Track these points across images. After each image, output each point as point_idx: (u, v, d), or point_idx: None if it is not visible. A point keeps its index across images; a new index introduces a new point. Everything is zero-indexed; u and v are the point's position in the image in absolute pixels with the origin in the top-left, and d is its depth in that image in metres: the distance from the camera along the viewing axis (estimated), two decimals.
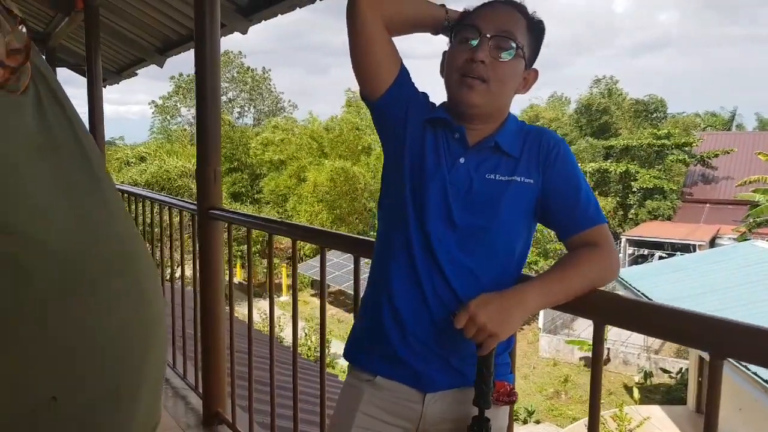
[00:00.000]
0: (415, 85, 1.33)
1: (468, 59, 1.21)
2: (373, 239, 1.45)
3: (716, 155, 24.86)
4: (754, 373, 6.73)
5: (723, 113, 40.06)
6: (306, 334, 13.79)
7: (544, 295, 1.16)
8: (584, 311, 1.22)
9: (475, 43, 1.21)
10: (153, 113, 38.32)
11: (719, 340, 1.02)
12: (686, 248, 19.68)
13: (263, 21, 3.88)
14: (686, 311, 1.06)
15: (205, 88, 2.67)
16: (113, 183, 0.78)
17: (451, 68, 1.24)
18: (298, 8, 3.51)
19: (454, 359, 1.24)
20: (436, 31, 1.35)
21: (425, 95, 1.34)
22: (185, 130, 35.74)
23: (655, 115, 28.99)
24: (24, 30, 0.71)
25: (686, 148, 24.63)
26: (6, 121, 0.68)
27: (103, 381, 0.66)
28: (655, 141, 24.40)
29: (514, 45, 1.21)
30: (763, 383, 6.57)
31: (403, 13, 1.28)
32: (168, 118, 38.11)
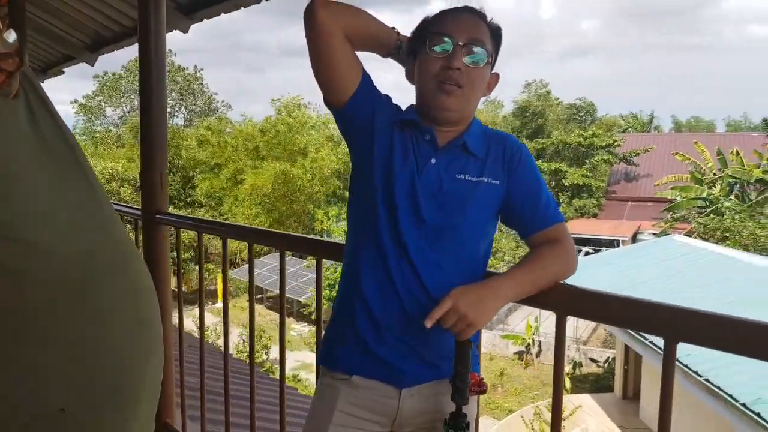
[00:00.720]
0: (378, 89, 1.37)
1: (444, 66, 1.26)
2: (333, 239, 1.48)
3: (637, 154, 26.21)
4: (678, 361, 7.15)
5: (642, 116, 42.19)
6: (243, 341, 13.54)
7: (516, 287, 1.23)
8: (547, 304, 1.30)
9: (449, 50, 1.26)
10: (75, 113, 36.58)
11: (672, 325, 1.11)
12: (611, 244, 20.64)
13: (205, 20, 3.81)
14: (642, 300, 1.15)
15: (150, 88, 2.61)
16: (103, 188, 0.77)
17: (426, 75, 1.29)
18: (243, 7, 3.46)
19: (428, 353, 1.29)
20: (385, 54, 1.38)
21: (388, 97, 1.38)
22: (110, 131, 34.32)
23: (585, 118, 30.23)
24: (13, 35, 0.70)
25: (610, 148, 25.83)
26: (5, 124, 0.67)
27: (109, 386, 0.66)
28: (582, 141, 25.48)
29: (485, 52, 1.27)
30: (683, 367, 6.98)
31: (359, 28, 1.30)
32: (92, 118, 36.46)
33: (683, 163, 21.48)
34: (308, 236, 1.97)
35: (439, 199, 1.26)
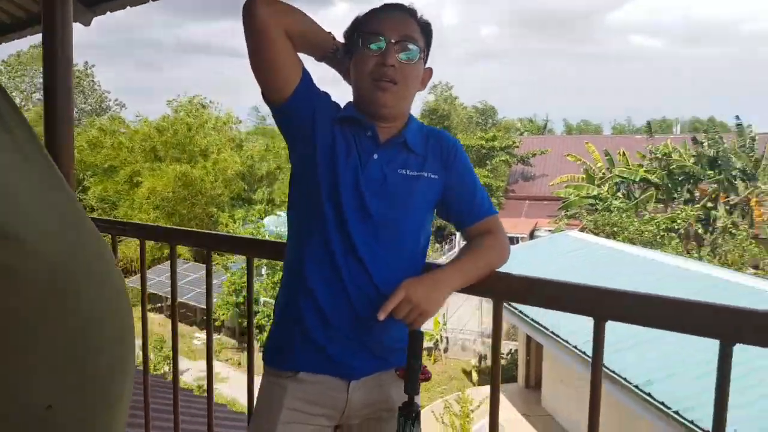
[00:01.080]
0: (317, 86, 1.38)
1: (378, 64, 1.29)
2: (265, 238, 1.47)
3: (534, 155, 27.60)
4: (574, 347, 7.60)
5: (537, 119, 44.51)
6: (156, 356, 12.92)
7: (462, 276, 1.29)
8: (484, 291, 1.37)
9: (383, 48, 1.29)
10: None
11: (600, 305, 1.21)
12: (511, 241, 21.51)
13: (108, 12, 3.63)
14: (572, 283, 1.25)
15: (55, 85, 2.46)
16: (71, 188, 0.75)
17: (362, 73, 1.32)
18: (151, 0, 3.33)
19: (375, 346, 1.32)
20: (321, 57, 1.39)
21: (327, 95, 1.39)
22: None
23: (486, 120, 31.46)
24: None
25: (509, 150, 27.02)
26: None
27: (99, 385, 0.65)
28: (484, 143, 26.49)
29: (417, 48, 1.32)
30: (581, 354, 7.44)
31: (298, 28, 1.30)
32: None
33: (575, 163, 22.86)
34: (239, 235, 1.92)
35: (383, 194, 1.30)
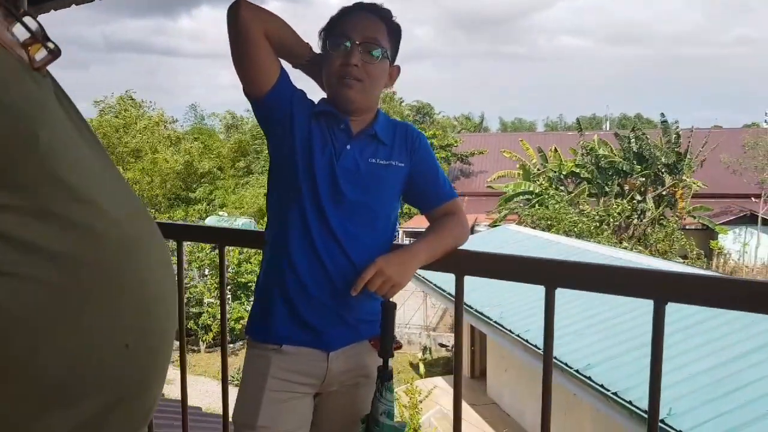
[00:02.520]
0: (294, 84, 1.49)
1: (343, 63, 1.41)
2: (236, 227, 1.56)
3: (473, 154, 28.25)
4: (517, 335, 7.92)
5: (473, 117, 45.59)
6: None
7: (429, 251, 1.43)
8: (449, 267, 1.50)
9: (347, 48, 1.41)
10: None
11: (551, 273, 1.36)
12: None
13: (52, 11, 3.56)
14: (527, 257, 1.40)
15: None
16: None
17: (330, 71, 1.44)
18: (75, 5, 3.28)
19: (351, 319, 1.45)
20: (296, 64, 1.52)
21: (302, 92, 1.50)
22: None
23: (424, 119, 31.88)
24: (33, 22, 0.75)
25: (449, 148, 27.54)
26: (54, 102, 0.73)
27: (161, 331, 0.76)
28: None
29: (379, 49, 1.44)
30: (523, 342, 7.76)
31: (277, 32, 1.42)
32: None
33: (511, 159, 23.57)
34: (209, 225, 2.00)
35: (356, 180, 1.43)
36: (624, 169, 19.46)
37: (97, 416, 0.68)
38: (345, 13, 1.47)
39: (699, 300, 1.22)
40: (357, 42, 1.41)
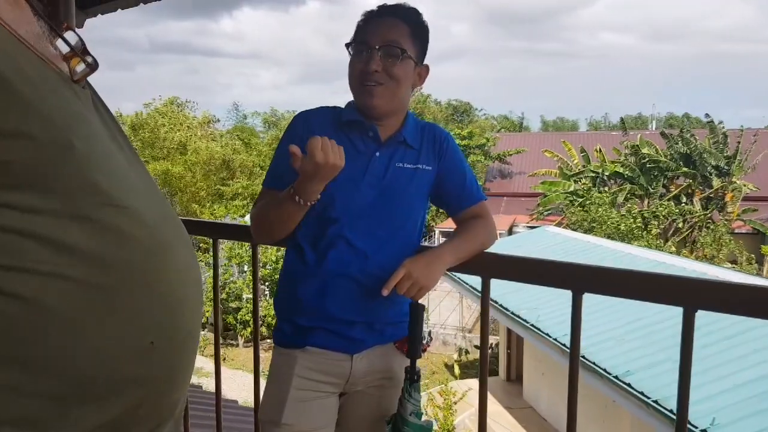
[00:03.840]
0: (293, 139, 1.41)
1: (363, 70, 1.42)
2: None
3: (511, 154, 27.93)
4: (554, 339, 7.80)
5: (512, 116, 45.08)
6: None
7: (455, 253, 1.44)
8: (475, 270, 1.50)
9: (368, 53, 1.42)
10: None
11: (580, 279, 1.35)
12: None
13: (99, 15, 3.69)
14: (553, 261, 1.40)
15: None
16: None
17: (352, 77, 1.46)
18: (142, 3, 3.40)
19: (376, 323, 1.46)
20: (297, 209, 1.37)
21: (315, 113, 1.51)
22: None
23: (462, 117, 31.72)
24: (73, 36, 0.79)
25: (485, 148, 27.30)
26: (96, 111, 0.78)
27: (186, 331, 0.80)
28: (460, 141, 26.74)
29: (399, 51, 1.43)
30: (560, 346, 7.65)
31: (276, 229, 1.45)
32: None
33: (552, 159, 23.21)
34: (207, 220, 2.07)
35: (383, 186, 1.44)
36: (669, 169, 18.94)
37: (128, 412, 0.72)
38: (367, 18, 1.48)
39: (730, 308, 1.19)
40: (377, 47, 1.41)
